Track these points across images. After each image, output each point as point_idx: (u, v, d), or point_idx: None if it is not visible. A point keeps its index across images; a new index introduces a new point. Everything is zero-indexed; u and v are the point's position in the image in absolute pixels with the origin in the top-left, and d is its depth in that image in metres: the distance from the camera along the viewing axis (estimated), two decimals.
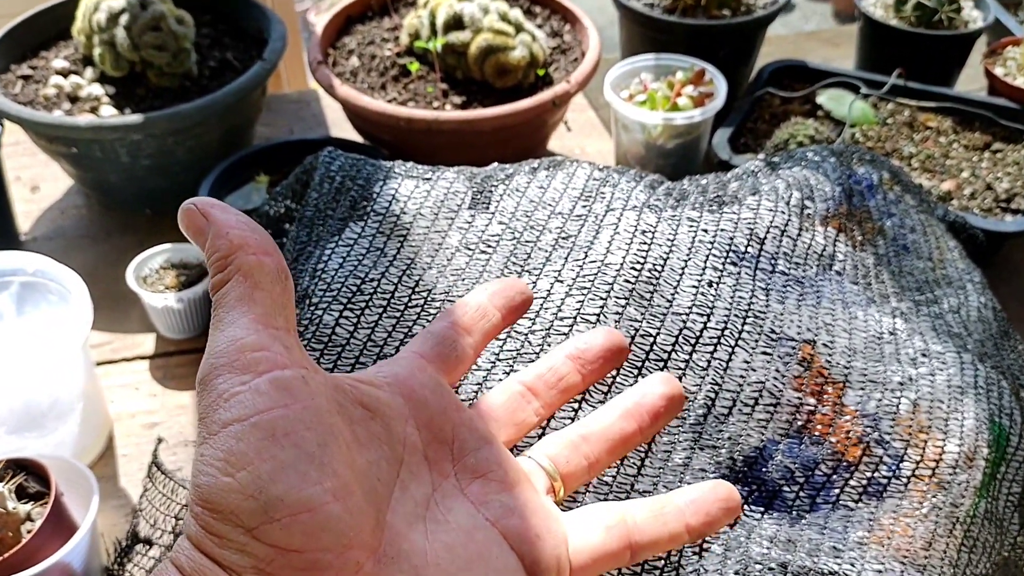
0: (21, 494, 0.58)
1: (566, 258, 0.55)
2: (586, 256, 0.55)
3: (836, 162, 0.68)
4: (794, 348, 0.53)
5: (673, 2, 0.99)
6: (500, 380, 0.48)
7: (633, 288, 0.53)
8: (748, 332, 0.53)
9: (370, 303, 0.53)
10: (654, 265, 0.54)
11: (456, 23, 0.90)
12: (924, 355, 0.56)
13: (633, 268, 0.53)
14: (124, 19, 0.87)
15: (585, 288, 0.53)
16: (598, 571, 0.36)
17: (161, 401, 0.75)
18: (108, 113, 0.86)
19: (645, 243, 0.55)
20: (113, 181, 0.89)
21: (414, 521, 0.33)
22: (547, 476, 0.38)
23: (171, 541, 0.62)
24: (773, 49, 1.19)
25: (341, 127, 1.03)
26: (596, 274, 0.53)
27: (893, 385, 0.54)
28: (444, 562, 0.32)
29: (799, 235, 0.59)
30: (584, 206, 0.58)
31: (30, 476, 0.59)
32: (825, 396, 0.52)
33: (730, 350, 0.52)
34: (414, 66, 0.92)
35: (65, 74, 0.92)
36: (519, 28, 0.91)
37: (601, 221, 0.57)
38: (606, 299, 0.52)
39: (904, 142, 0.91)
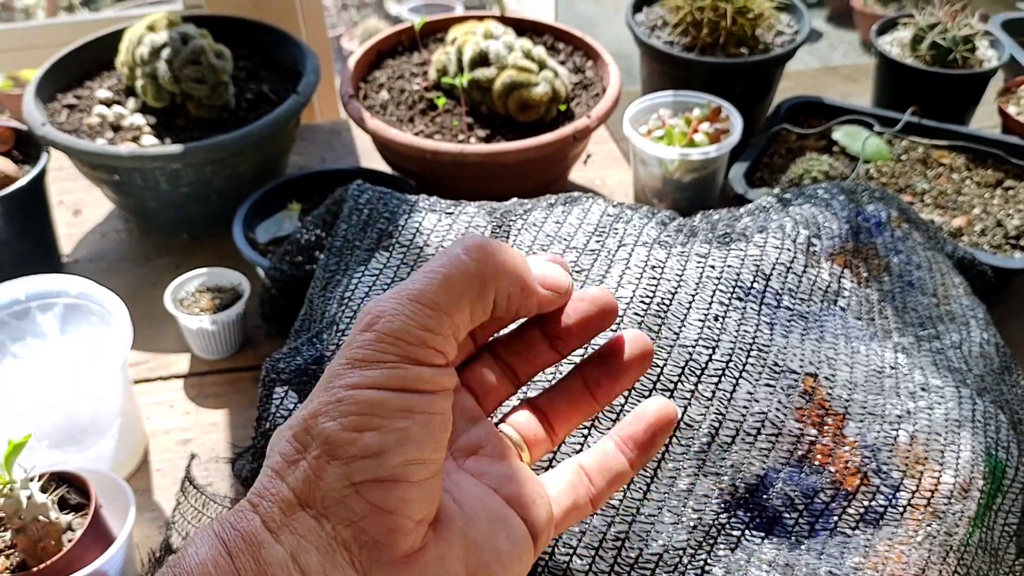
0: (63, 505, 0.61)
1: None
2: None
3: (845, 199, 0.70)
4: (796, 380, 0.56)
5: (692, 40, 1.02)
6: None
7: (642, 321, 0.55)
8: (752, 364, 0.55)
9: None
10: (662, 299, 0.56)
11: (482, 60, 0.94)
12: (924, 389, 0.58)
13: (642, 302, 0.56)
14: (166, 53, 0.92)
15: None
16: (568, 526, 0.40)
17: (194, 418, 0.78)
18: (149, 143, 0.91)
19: (654, 278, 0.57)
20: (152, 207, 0.93)
21: (443, 491, 0.37)
22: (515, 446, 0.41)
23: None
24: (793, 84, 1.22)
25: (371, 156, 1.07)
26: None
27: (892, 418, 0.56)
28: (481, 521, 0.36)
29: (804, 271, 0.61)
30: (598, 241, 0.61)
31: (71, 488, 0.62)
32: (826, 427, 0.55)
33: (734, 381, 0.54)
34: (441, 100, 0.95)
35: (108, 104, 0.96)
36: (542, 65, 0.94)
37: (613, 256, 0.60)
38: (616, 332, 0.55)
39: (917, 178, 0.93)
